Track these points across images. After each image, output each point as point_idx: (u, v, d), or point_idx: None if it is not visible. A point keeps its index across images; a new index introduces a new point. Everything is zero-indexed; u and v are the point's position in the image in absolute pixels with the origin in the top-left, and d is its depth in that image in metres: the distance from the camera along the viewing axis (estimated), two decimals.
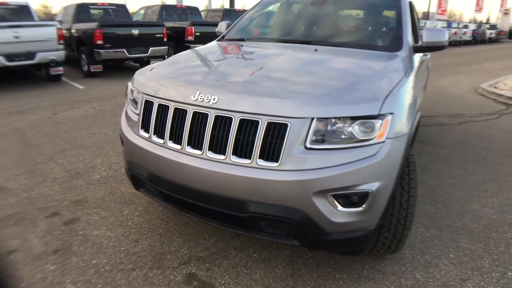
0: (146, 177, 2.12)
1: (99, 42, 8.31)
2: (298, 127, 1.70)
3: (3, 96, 6.91)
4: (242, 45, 2.95)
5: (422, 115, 5.96)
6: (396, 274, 2.19)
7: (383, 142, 1.74)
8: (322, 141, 1.72)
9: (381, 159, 1.71)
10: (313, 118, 1.71)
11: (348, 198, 1.74)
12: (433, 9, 34.59)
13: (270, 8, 3.61)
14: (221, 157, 1.80)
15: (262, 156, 1.74)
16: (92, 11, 9.66)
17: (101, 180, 3.38)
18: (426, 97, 7.45)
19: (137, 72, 2.56)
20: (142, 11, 11.80)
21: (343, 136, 1.73)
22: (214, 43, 3.23)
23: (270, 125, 1.73)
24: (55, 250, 2.35)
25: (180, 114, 1.94)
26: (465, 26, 30.36)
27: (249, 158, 1.75)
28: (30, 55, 7.39)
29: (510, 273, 2.22)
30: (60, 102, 6.47)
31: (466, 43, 28.87)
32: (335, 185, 1.68)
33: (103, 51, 8.36)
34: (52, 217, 2.74)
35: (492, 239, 2.57)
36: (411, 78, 2.40)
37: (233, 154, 1.79)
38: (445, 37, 2.80)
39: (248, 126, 1.77)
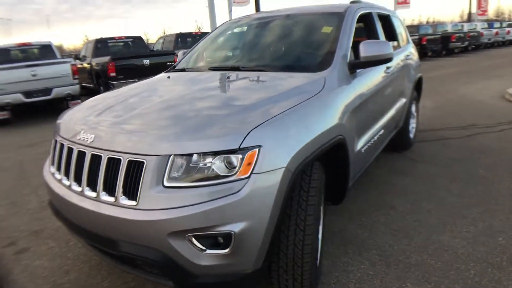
0: (54, 210, 2.20)
1: (112, 74, 8.73)
2: (155, 165, 1.61)
3: (21, 130, 7.40)
4: (169, 77, 2.91)
5: (424, 129, 5.52)
6: None
7: (248, 178, 1.57)
8: (181, 179, 1.60)
9: (244, 197, 1.55)
10: (170, 155, 1.60)
11: (210, 240, 1.60)
12: (474, 9, 32.56)
13: (220, 35, 3.53)
14: (94, 194, 1.78)
15: (124, 194, 1.67)
16: (110, 45, 10.20)
17: None
18: (438, 107, 6.93)
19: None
20: (161, 41, 12.29)
21: (202, 173, 1.59)
22: (160, 75, 3.19)
23: (130, 163, 1.67)
24: None
25: (70, 152, 1.98)
26: (510, 25, 28.23)
27: (114, 196, 1.70)
28: (47, 91, 7.91)
29: None
30: None
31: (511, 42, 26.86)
32: (191, 225, 1.55)
33: (117, 83, 8.76)
34: (7, 247, 2.89)
35: (447, 278, 2.20)
36: (332, 98, 2.19)
37: (102, 191, 1.74)
38: (387, 50, 2.54)
39: (114, 164, 1.72)
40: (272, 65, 2.72)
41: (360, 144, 2.61)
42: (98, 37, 10.45)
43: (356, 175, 2.78)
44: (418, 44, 16.73)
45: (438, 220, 2.87)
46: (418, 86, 4.66)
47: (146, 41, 10.80)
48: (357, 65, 2.57)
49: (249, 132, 1.62)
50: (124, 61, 8.81)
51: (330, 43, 2.64)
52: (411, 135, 4.56)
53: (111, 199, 1.70)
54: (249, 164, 1.58)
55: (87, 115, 2.20)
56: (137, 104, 2.21)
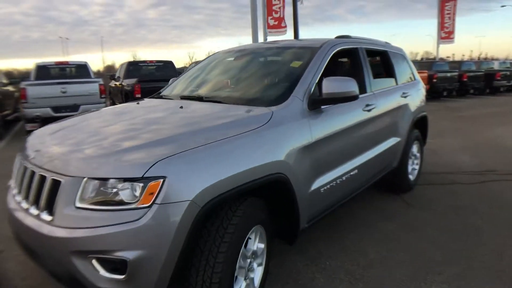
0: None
1: (138, 95, 9.11)
2: (70, 185, 1.70)
3: None
4: (138, 103, 2.98)
5: (434, 171, 5.14)
6: None
7: (149, 207, 1.59)
8: (90, 201, 1.66)
9: (142, 225, 1.59)
10: (84, 177, 1.67)
11: (110, 264, 1.63)
12: None
13: (204, 65, 3.59)
14: (26, 206, 1.92)
15: (46, 209, 1.78)
16: (142, 68, 10.72)
17: None
18: (459, 149, 6.45)
19: None
20: (193, 65, 12.75)
21: (108, 198, 1.65)
22: (134, 102, 3.28)
23: (52, 181, 1.78)
24: None
25: (25, 170, 2.08)
26: None
27: (38, 210, 1.82)
28: (75, 107, 8.39)
29: None
30: None
31: None
32: (89, 247, 1.62)
33: None
34: None
35: None
36: (276, 134, 2.13)
37: (32, 204, 1.88)
38: (351, 88, 2.44)
39: (43, 182, 1.84)
40: (231, 96, 2.71)
41: (319, 183, 2.48)
42: (131, 59, 11.03)
43: (318, 215, 2.63)
44: (458, 81, 16.01)
45: (407, 274, 2.61)
46: (421, 126, 4.40)
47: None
48: (319, 101, 2.48)
49: (155, 162, 1.66)
50: (149, 84, 9.17)
51: (294, 78, 2.58)
52: (411, 177, 4.27)
53: (36, 212, 1.82)
54: (151, 194, 1.61)
55: (43, 135, 2.34)
56: (82, 128, 2.35)
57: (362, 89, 3.17)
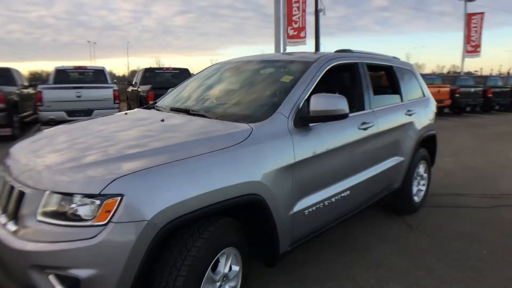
0: None
1: (151, 101, 9.19)
2: (33, 198, 1.69)
3: None
4: (126, 113, 2.96)
5: (444, 192, 4.88)
6: None
7: (105, 225, 1.55)
8: (50, 215, 1.65)
9: (97, 244, 1.55)
10: (46, 191, 1.66)
11: (66, 280, 1.59)
12: None
13: (199, 76, 3.54)
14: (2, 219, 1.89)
15: (12, 219, 1.76)
16: (157, 74, 10.86)
17: None
18: (475, 169, 6.13)
19: None
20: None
21: (67, 213, 1.62)
22: (123, 112, 3.26)
23: (19, 192, 1.78)
24: None
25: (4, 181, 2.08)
26: None
27: (6, 219, 1.82)
28: (89, 111, 8.54)
29: None
30: None
31: None
32: (46, 262, 1.59)
33: None
34: None
35: None
36: (252, 153, 2.04)
37: (2, 213, 1.87)
38: (340, 105, 2.32)
39: (11, 191, 1.85)
40: (215, 111, 2.62)
41: (303, 205, 2.37)
42: (147, 66, 11.21)
43: (303, 238, 2.50)
44: (483, 97, 15.45)
45: None
46: (429, 145, 4.20)
47: None
48: (307, 119, 2.37)
49: (114, 180, 1.61)
50: (163, 90, 9.20)
51: (281, 93, 2.48)
52: (416, 199, 4.06)
53: (4, 220, 1.82)
54: (108, 211, 1.57)
55: (23, 146, 2.36)
56: (57, 140, 2.37)
57: (360, 106, 3.04)
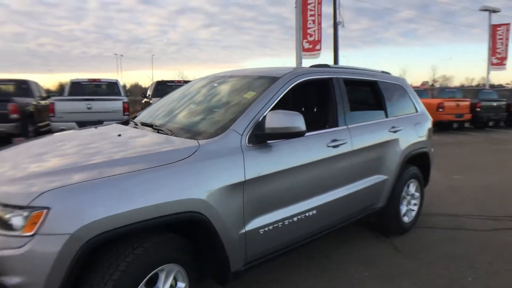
0: None
1: None
2: None
3: None
4: (96, 127, 3.01)
5: (443, 212, 4.61)
6: None
7: (31, 236, 1.63)
8: None
9: (23, 253, 1.61)
10: None
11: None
12: None
13: (176, 92, 3.57)
14: None
15: None
16: (169, 87, 11.08)
17: None
18: (480, 187, 5.77)
19: None
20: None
21: (5, 222, 1.68)
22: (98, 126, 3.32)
23: None
24: None
25: None
26: None
27: None
28: (99, 123, 8.74)
29: None
30: None
31: None
32: None
33: None
34: None
35: None
36: (196, 170, 2.03)
37: None
38: (296, 123, 2.26)
39: None
40: (174, 126, 2.62)
41: (257, 224, 2.30)
42: (160, 79, 11.46)
43: (261, 258, 2.43)
44: (507, 111, 14.71)
45: None
46: (421, 163, 4.02)
47: None
48: (263, 136, 2.31)
49: (42, 193, 1.67)
50: None
51: (239, 110, 2.44)
52: (406, 219, 3.88)
53: None
54: (34, 223, 1.63)
55: None
56: (13, 153, 2.47)
57: (333, 123, 2.95)
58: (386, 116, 3.56)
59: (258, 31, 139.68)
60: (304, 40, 15.60)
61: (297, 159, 2.50)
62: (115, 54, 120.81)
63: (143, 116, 3.30)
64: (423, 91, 14.63)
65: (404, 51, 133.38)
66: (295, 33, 16.00)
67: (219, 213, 2.06)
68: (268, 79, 2.72)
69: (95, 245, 1.69)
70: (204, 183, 2.01)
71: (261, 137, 2.31)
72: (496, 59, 19.75)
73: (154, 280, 1.92)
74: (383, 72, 3.97)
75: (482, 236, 3.91)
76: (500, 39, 19.48)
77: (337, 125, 2.94)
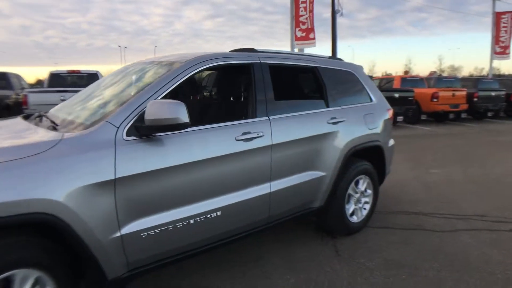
0: None
1: None
2: None
3: None
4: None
5: (405, 210, 4.26)
6: None
7: None
8: None
9: None
10: None
11: None
12: None
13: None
14: None
15: None
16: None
17: None
18: (457, 183, 5.31)
19: None
20: None
21: None
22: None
23: None
24: None
25: None
26: None
27: None
28: None
29: None
30: None
31: None
32: None
33: None
34: None
35: None
36: (47, 168, 1.79)
37: None
38: (177, 114, 1.96)
39: None
40: (61, 119, 2.38)
41: (138, 226, 2.05)
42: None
43: (150, 264, 2.18)
44: (506, 101, 14.12)
45: None
46: (374, 157, 3.69)
47: None
48: (144, 129, 2.02)
49: None
50: None
51: (122, 100, 2.15)
52: (355, 218, 3.57)
53: None
54: None
55: None
56: None
57: (250, 114, 2.64)
58: (327, 106, 3.22)
59: (265, 21, 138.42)
60: (297, 29, 15.14)
61: (190, 154, 2.20)
62: (119, 46, 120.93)
63: (58, 107, 3.03)
64: (419, 80, 14.10)
65: (411, 41, 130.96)
66: (290, 22, 15.61)
67: (80, 215, 1.81)
68: (167, 66, 2.43)
69: None
70: (58, 182, 1.76)
71: (143, 130, 2.03)
72: (500, 48, 19.01)
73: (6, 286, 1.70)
74: (332, 58, 3.62)
75: (439, 238, 3.58)
76: (504, 27, 18.71)
77: (255, 116, 2.63)
